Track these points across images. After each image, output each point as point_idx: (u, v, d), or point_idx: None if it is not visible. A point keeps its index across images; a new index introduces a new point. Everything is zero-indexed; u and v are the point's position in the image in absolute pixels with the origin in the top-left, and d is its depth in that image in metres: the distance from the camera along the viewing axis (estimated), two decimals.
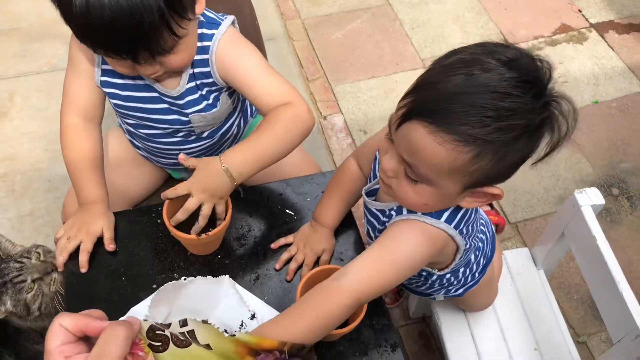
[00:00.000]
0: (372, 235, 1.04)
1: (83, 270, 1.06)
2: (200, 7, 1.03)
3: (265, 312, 1.01)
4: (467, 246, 0.96)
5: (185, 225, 1.03)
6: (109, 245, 1.09)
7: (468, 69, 0.75)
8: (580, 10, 2.79)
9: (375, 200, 1.01)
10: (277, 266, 1.08)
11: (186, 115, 1.16)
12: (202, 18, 1.09)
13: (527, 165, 0.81)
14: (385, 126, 0.87)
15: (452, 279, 1.07)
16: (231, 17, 1.14)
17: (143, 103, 1.15)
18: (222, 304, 1.01)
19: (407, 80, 0.74)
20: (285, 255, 1.09)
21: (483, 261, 1.11)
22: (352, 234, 1.15)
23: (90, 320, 0.61)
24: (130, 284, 1.05)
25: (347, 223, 1.15)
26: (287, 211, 1.17)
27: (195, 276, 0.97)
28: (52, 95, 2.29)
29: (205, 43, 1.09)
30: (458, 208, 0.90)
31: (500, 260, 1.34)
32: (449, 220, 0.89)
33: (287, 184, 1.22)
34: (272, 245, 1.11)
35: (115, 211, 1.15)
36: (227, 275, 1.02)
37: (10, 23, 2.59)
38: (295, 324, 0.82)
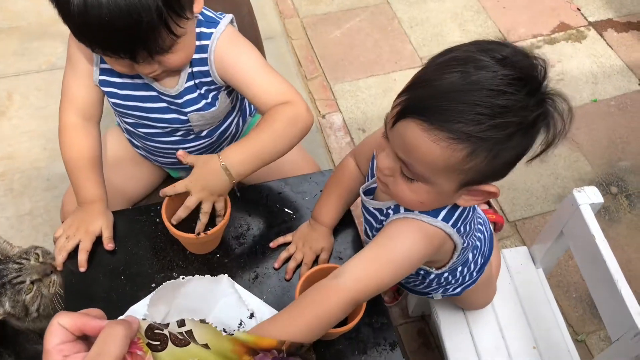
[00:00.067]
0: (370, 234, 1.05)
1: (82, 269, 1.06)
2: (198, 6, 1.03)
3: (264, 311, 1.01)
4: (465, 245, 0.96)
5: (184, 225, 1.03)
6: (108, 245, 1.09)
7: (462, 66, 0.75)
8: (578, 9, 2.79)
9: (373, 199, 1.01)
10: (276, 265, 1.08)
11: (185, 114, 1.16)
12: (200, 17, 1.09)
13: (525, 164, 0.81)
14: (383, 124, 0.87)
15: (450, 277, 1.07)
16: (230, 16, 1.14)
17: (142, 102, 1.15)
18: (220, 303, 1.01)
19: (405, 78, 0.75)
20: (284, 254, 1.09)
21: (481, 260, 1.11)
22: (350, 233, 1.15)
23: (89, 319, 0.61)
24: (129, 283, 1.05)
25: (345, 222, 1.15)
26: (286, 210, 1.17)
27: (194, 275, 0.97)
28: (51, 94, 2.29)
29: (204, 42, 1.09)
30: (455, 206, 0.90)
31: (499, 259, 1.34)
32: (446, 219, 0.89)
33: (285, 183, 1.22)
34: (271, 244, 1.11)
35: (114, 210, 1.15)
36: (226, 275, 1.02)
37: (9, 21, 2.59)
38: (293, 323, 0.82)
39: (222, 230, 1.06)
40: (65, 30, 0.96)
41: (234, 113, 1.30)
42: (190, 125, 1.20)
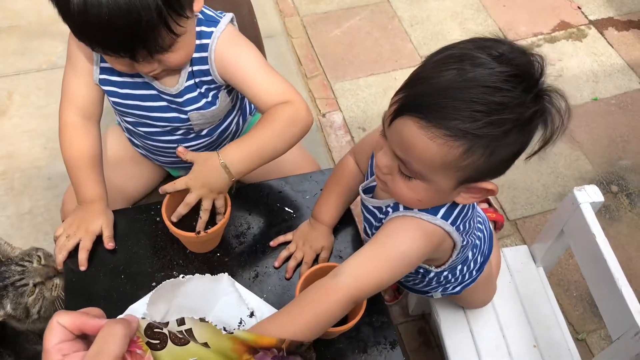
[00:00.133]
0: (369, 232, 1.04)
1: (82, 268, 1.06)
2: (198, 5, 1.03)
3: (264, 310, 1.01)
4: (464, 243, 0.96)
5: (184, 224, 1.03)
6: (108, 244, 1.09)
7: (459, 64, 0.75)
8: (579, 7, 2.78)
9: (372, 197, 1.01)
10: (276, 264, 1.08)
11: (185, 113, 1.16)
12: (200, 16, 1.09)
13: (524, 161, 0.81)
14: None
15: (450, 276, 1.07)
16: (230, 15, 1.14)
17: (142, 101, 1.15)
18: (221, 301, 1.01)
19: (405, 77, 0.74)
20: (284, 253, 1.09)
21: (480, 259, 1.11)
22: (350, 232, 1.15)
23: (88, 318, 0.61)
24: (129, 282, 1.05)
25: (346, 220, 1.15)
26: (286, 209, 1.17)
27: (194, 274, 0.97)
28: (52, 93, 2.29)
29: (204, 41, 1.09)
30: (454, 204, 0.90)
31: (498, 258, 1.34)
32: (445, 217, 0.89)
33: (286, 182, 1.21)
34: (271, 243, 1.11)
35: (114, 209, 1.15)
36: (226, 273, 1.02)
37: (9, 20, 2.59)
38: (293, 321, 0.82)
39: (223, 229, 1.07)
40: (65, 29, 0.96)
41: (234, 112, 1.30)
42: (190, 124, 1.20)
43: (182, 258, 1.09)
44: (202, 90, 1.15)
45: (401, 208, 0.93)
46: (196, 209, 1.03)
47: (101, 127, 1.21)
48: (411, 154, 0.79)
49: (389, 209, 0.95)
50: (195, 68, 1.12)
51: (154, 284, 1.04)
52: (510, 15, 2.74)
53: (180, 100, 1.14)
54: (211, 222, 1.04)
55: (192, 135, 1.24)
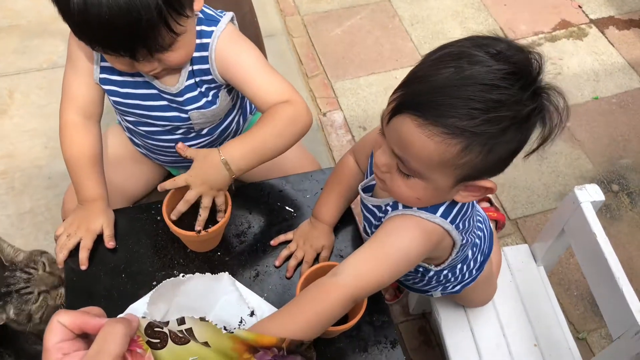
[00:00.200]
0: (369, 231, 1.04)
1: (83, 267, 1.06)
2: (198, 4, 1.03)
3: (265, 309, 1.01)
4: (464, 241, 0.96)
5: (185, 223, 1.03)
6: (109, 243, 1.09)
7: (456, 62, 0.75)
8: (580, 6, 2.78)
9: (371, 196, 1.01)
10: (277, 263, 1.08)
11: (185, 112, 1.16)
12: (200, 15, 1.09)
13: (523, 159, 0.81)
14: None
15: (450, 275, 1.07)
16: (230, 14, 1.13)
17: (142, 100, 1.15)
18: (221, 301, 1.01)
19: None
20: (284, 252, 1.09)
21: (480, 258, 1.11)
22: (351, 231, 1.15)
23: (88, 317, 0.61)
24: (130, 281, 1.05)
25: (346, 219, 1.15)
26: (287, 208, 1.17)
27: (194, 273, 0.97)
28: (52, 93, 2.29)
29: (205, 40, 1.09)
30: (454, 203, 0.90)
31: (499, 256, 1.34)
32: (444, 215, 0.89)
33: (286, 181, 1.21)
34: (272, 242, 1.11)
35: (114, 208, 1.15)
36: (227, 272, 1.02)
37: (9, 20, 2.59)
38: (293, 320, 0.82)
39: (223, 228, 1.07)
40: (65, 28, 0.96)
41: (235, 111, 1.30)
42: (191, 124, 1.20)
43: (183, 257, 1.09)
44: (203, 89, 1.15)
45: (400, 207, 0.93)
46: (197, 208, 1.03)
47: (102, 126, 1.21)
48: (409, 152, 0.79)
49: (388, 208, 0.95)
50: (196, 67, 1.12)
51: (154, 283, 1.04)
52: (511, 14, 2.74)
53: (180, 99, 1.14)
54: (212, 220, 1.04)
55: (192, 135, 1.24)
